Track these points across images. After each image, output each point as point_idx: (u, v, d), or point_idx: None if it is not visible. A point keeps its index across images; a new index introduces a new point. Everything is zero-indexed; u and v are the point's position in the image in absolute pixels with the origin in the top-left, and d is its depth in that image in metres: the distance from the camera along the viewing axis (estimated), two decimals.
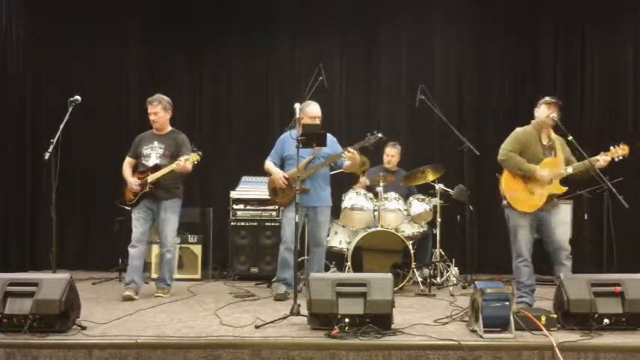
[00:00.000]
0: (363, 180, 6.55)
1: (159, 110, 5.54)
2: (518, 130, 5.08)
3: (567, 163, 4.97)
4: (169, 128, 5.65)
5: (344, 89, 7.69)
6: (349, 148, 5.39)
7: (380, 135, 5.48)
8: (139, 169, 5.57)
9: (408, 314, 4.69)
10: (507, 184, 5.02)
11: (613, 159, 4.88)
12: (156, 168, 5.43)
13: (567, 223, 5.04)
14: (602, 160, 4.84)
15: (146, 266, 6.35)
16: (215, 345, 3.82)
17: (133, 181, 5.47)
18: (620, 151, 4.88)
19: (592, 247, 6.58)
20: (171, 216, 5.51)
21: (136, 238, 5.44)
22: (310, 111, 5.44)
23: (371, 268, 5.80)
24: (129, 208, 5.62)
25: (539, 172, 4.87)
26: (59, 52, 7.53)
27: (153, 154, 5.52)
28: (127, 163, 5.65)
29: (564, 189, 4.96)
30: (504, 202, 5.08)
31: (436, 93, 7.22)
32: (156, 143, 5.55)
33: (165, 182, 5.43)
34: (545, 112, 4.94)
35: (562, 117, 4.99)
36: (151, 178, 5.40)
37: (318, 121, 5.41)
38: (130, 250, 5.43)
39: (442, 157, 7.19)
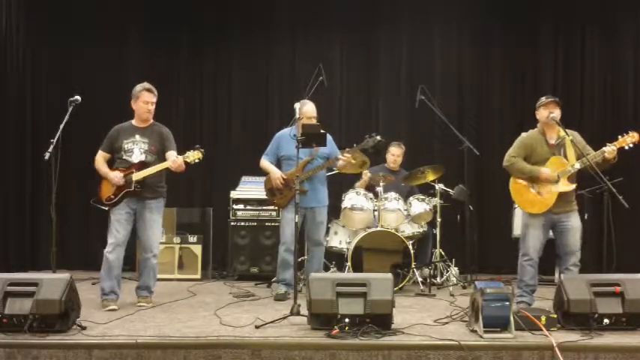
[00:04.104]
0: (366, 177, 6.48)
1: (155, 101, 5.11)
2: (523, 134, 5.06)
3: (580, 156, 4.82)
4: (151, 120, 5.22)
5: (344, 89, 7.69)
6: (345, 153, 5.40)
7: (379, 137, 5.50)
8: (117, 165, 5.07)
9: (408, 314, 4.70)
10: (514, 188, 5.00)
11: (623, 147, 4.75)
12: (142, 165, 5.00)
13: (580, 229, 4.95)
14: (607, 152, 4.72)
15: None
16: (215, 345, 3.82)
17: (116, 174, 4.96)
18: (629, 139, 4.74)
19: (591, 247, 6.59)
20: (157, 217, 5.10)
21: (118, 242, 4.95)
22: (306, 111, 5.43)
23: (371, 268, 5.80)
24: (106, 208, 5.09)
25: (543, 172, 4.82)
26: (59, 52, 7.53)
27: (136, 148, 5.06)
28: (102, 157, 5.12)
29: (573, 186, 4.88)
30: None
31: (436, 93, 7.23)
32: (137, 137, 5.08)
33: (151, 180, 5.01)
34: (544, 113, 4.91)
35: (562, 116, 4.97)
36: (139, 175, 4.95)
37: (314, 121, 5.42)
38: (109, 256, 4.92)
39: (442, 157, 7.19)
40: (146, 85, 5.16)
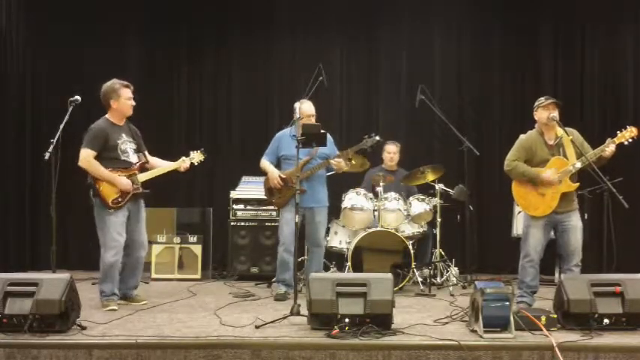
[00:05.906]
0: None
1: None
2: (521, 136, 5.04)
3: (580, 155, 4.82)
4: None
5: (344, 89, 7.69)
6: (335, 158, 5.40)
7: (377, 137, 5.51)
8: (114, 165, 4.89)
9: (408, 314, 4.70)
10: (517, 192, 4.99)
11: (622, 143, 4.76)
12: (142, 166, 5.01)
13: (581, 228, 4.95)
14: (608, 150, 4.75)
15: (146, 266, 6.35)
16: (215, 345, 3.82)
17: (127, 181, 4.86)
18: (628, 134, 4.74)
19: (591, 247, 6.59)
20: (144, 215, 5.12)
21: (121, 246, 4.86)
22: (305, 109, 5.43)
23: (371, 268, 5.80)
24: (110, 211, 4.85)
25: (544, 174, 4.82)
26: (59, 52, 7.52)
27: (129, 148, 4.97)
28: (93, 157, 4.86)
29: (575, 185, 4.88)
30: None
31: (436, 93, 7.23)
32: (124, 136, 4.97)
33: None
34: (544, 114, 4.89)
35: (562, 116, 4.96)
36: (145, 177, 4.97)
37: (313, 120, 5.42)
38: (112, 260, 4.83)
39: (442, 157, 7.19)
40: (122, 81, 5.03)
